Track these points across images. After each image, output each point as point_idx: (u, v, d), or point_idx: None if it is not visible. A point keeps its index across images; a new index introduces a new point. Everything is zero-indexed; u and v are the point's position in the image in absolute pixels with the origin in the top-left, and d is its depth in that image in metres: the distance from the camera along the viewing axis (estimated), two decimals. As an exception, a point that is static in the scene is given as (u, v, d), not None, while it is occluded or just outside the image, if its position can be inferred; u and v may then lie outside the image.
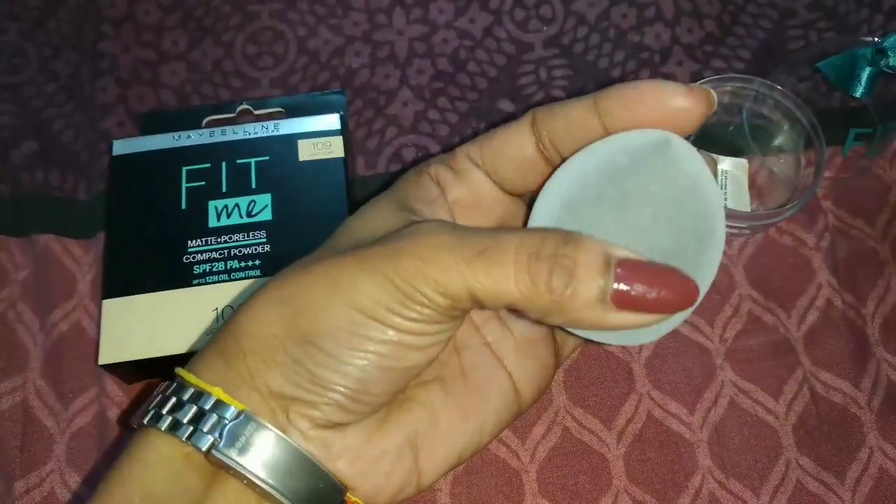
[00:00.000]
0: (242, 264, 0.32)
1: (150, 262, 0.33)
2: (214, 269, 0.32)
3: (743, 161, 0.38)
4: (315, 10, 0.42)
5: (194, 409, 0.22)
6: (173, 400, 0.22)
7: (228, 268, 0.32)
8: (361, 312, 0.21)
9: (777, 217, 0.34)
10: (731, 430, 0.33)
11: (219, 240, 0.33)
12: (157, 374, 0.33)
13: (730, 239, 0.36)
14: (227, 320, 0.23)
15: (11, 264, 0.36)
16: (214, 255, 0.33)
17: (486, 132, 0.25)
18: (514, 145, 0.24)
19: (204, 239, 0.33)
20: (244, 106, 0.38)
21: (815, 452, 0.32)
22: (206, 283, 0.32)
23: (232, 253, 0.33)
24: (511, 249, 0.20)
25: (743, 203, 0.37)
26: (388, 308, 0.21)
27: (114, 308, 0.32)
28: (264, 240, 0.33)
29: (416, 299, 0.21)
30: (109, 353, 0.31)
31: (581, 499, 0.32)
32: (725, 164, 0.37)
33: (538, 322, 0.22)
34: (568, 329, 0.22)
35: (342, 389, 0.22)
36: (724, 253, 0.36)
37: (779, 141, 0.38)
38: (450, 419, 0.24)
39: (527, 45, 0.41)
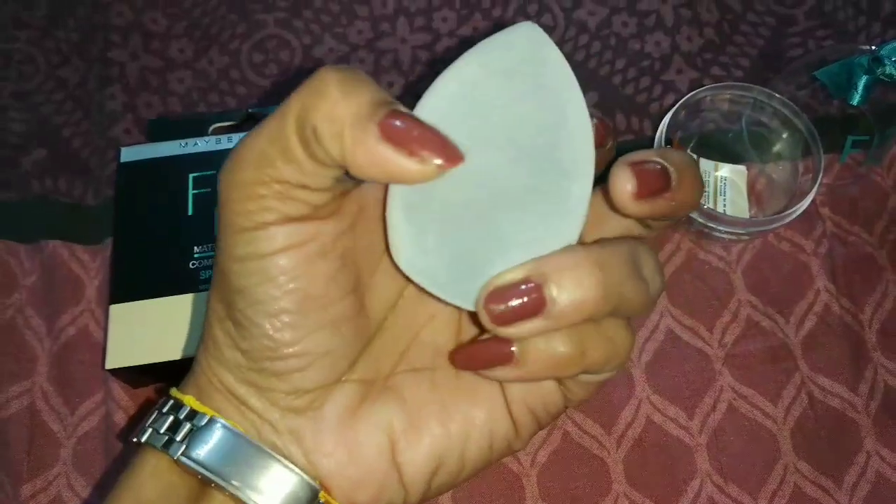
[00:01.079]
0: (247, 270, 0.33)
1: (157, 268, 0.33)
2: (220, 275, 0.33)
3: (742, 168, 0.38)
4: (320, 19, 0.43)
5: (171, 419, 0.22)
6: (155, 413, 0.23)
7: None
8: (229, 261, 0.21)
9: (775, 223, 0.35)
10: (730, 435, 0.33)
11: (224, 246, 0.33)
12: (162, 378, 0.33)
13: (728, 245, 0.37)
14: None
15: (20, 270, 0.36)
16: (220, 260, 0.33)
17: None
18: None
19: (210, 245, 0.33)
20: (250, 112, 0.39)
21: (813, 457, 0.33)
22: (212, 289, 0.32)
23: (237, 259, 0.33)
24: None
25: (741, 209, 0.37)
26: (239, 235, 0.20)
27: (121, 313, 0.32)
28: (269, 246, 0.33)
29: (255, 195, 0.20)
30: (116, 358, 0.31)
31: (581, 503, 0.32)
32: (724, 170, 0.38)
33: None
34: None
35: (261, 353, 0.21)
36: (723, 259, 0.36)
37: (777, 148, 0.38)
38: (430, 414, 0.23)
39: (528, 53, 0.42)
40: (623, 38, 0.42)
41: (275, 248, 0.20)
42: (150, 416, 0.23)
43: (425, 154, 0.18)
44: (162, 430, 0.22)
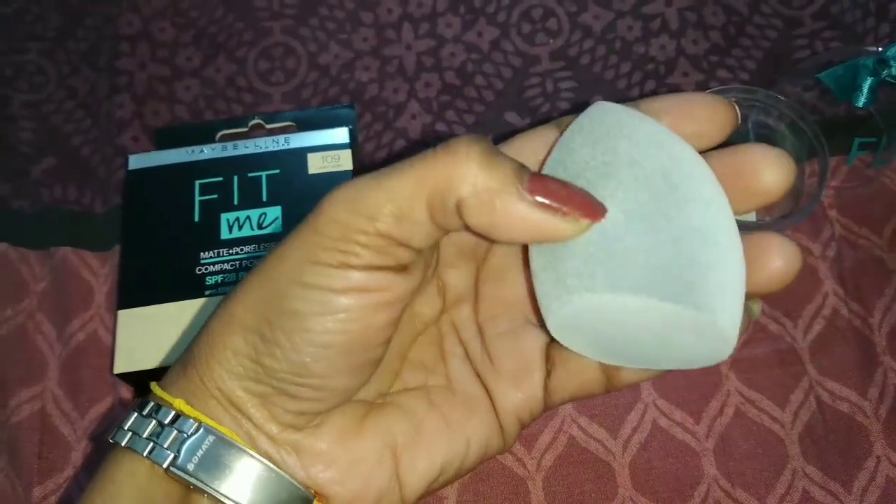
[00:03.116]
0: (253, 275, 0.33)
1: (164, 274, 0.33)
2: (226, 281, 0.33)
3: (748, 171, 0.38)
4: (325, 26, 0.43)
5: (153, 423, 0.21)
6: (135, 415, 0.22)
7: (240, 279, 0.33)
8: (292, 284, 0.20)
9: (782, 226, 0.35)
10: (737, 439, 0.33)
11: (231, 251, 0.34)
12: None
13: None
14: None
15: (31, 276, 0.37)
16: (226, 266, 0.33)
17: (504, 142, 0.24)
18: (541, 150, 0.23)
19: (216, 251, 0.34)
20: (256, 120, 0.39)
21: (822, 461, 0.32)
22: (219, 294, 0.33)
23: (243, 264, 0.33)
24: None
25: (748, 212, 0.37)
26: (317, 266, 0.20)
27: (129, 318, 0.32)
28: (274, 251, 0.34)
29: (352, 240, 0.20)
30: (124, 363, 0.32)
31: (587, 507, 0.32)
32: (731, 173, 0.38)
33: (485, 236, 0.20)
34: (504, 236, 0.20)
35: (287, 375, 0.21)
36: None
37: (784, 150, 0.38)
38: (433, 427, 0.23)
39: (533, 57, 0.42)
40: (628, 41, 0.42)
41: (347, 286, 0.20)
42: (129, 417, 0.22)
43: (575, 212, 0.19)
44: (144, 435, 0.21)
